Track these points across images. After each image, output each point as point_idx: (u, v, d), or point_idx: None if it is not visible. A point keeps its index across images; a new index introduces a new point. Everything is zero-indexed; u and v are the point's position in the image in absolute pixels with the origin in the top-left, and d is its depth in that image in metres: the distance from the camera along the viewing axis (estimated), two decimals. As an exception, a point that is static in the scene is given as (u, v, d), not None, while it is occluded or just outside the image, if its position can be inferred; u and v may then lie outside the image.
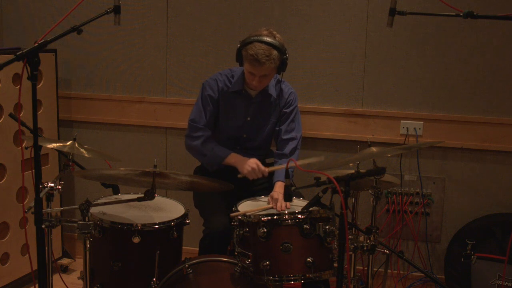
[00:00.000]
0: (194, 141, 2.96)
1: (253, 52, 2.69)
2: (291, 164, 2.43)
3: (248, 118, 2.98)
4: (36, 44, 2.02)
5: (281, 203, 2.60)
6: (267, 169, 2.82)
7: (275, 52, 2.71)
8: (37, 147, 2.06)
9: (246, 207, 2.66)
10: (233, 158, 2.89)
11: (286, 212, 2.41)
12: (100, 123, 3.77)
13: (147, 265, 2.46)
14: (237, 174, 2.84)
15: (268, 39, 2.71)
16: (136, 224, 2.48)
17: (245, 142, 3.02)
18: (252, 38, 2.73)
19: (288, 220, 2.23)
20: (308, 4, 3.38)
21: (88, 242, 2.30)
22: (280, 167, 2.84)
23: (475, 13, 2.21)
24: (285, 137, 2.98)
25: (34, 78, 2.01)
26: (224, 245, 2.73)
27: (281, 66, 2.79)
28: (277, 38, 2.74)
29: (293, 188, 2.48)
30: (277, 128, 3.01)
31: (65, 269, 3.65)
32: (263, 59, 2.68)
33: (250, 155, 3.02)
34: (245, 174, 2.82)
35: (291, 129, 2.99)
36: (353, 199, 2.76)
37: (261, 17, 3.43)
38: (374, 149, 2.64)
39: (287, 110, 2.99)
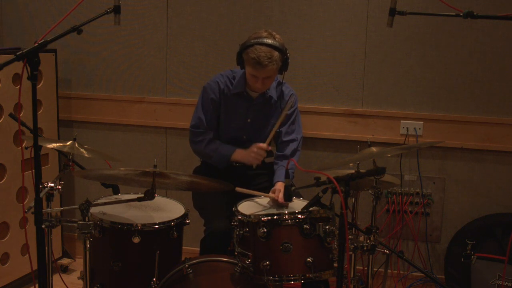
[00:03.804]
0: (197, 146, 2.99)
1: (254, 55, 2.69)
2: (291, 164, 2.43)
3: (249, 120, 2.98)
4: (36, 44, 2.02)
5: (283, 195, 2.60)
6: (265, 144, 2.87)
7: (276, 54, 2.71)
8: (37, 147, 2.06)
9: (246, 207, 2.66)
10: (239, 155, 2.92)
11: (286, 212, 2.40)
12: (100, 123, 3.77)
13: (147, 265, 2.46)
14: (247, 170, 2.93)
15: (269, 41, 2.70)
16: (136, 224, 2.48)
17: (244, 144, 3.02)
18: (252, 41, 2.72)
19: (288, 220, 2.23)
20: (308, 4, 3.38)
21: (88, 242, 2.30)
22: (274, 130, 2.87)
23: (475, 13, 2.21)
24: (285, 138, 2.98)
25: (34, 78, 2.01)
26: (225, 245, 2.73)
27: (283, 66, 2.79)
28: (276, 39, 2.74)
29: (293, 188, 2.49)
30: (277, 130, 3.01)
31: (65, 269, 3.65)
32: (265, 61, 2.68)
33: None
34: (254, 163, 2.88)
35: (292, 130, 2.99)
36: (353, 199, 2.75)
37: (261, 17, 3.43)
38: (374, 149, 2.64)
39: (288, 112, 2.99)
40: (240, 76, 2.93)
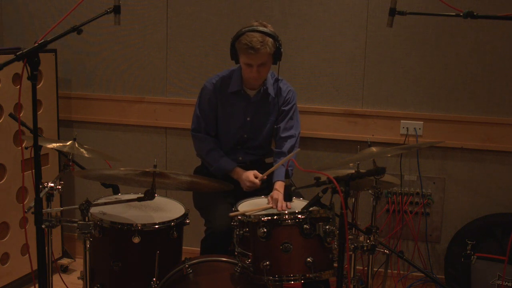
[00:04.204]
0: (200, 152, 3.03)
1: (246, 41, 2.70)
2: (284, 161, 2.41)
3: (248, 118, 2.98)
4: (36, 44, 2.02)
5: (281, 203, 2.61)
6: (258, 180, 2.83)
7: (268, 38, 2.73)
8: (37, 147, 2.06)
9: (246, 207, 2.66)
10: (235, 174, 2.93)
11: (286, 212, 2.40)
12: (100, 123, 3.77)
13: (147, 265, 2.46)
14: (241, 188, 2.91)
15: (260, 28, 2.74)
16: (136, 224, 2.48)
17: (246, 142, 3.02)
18: (243, 30, 2.75)
19: (288, 220, 2.23)
20: (308, 4, 3.38)
21: (88, 242, 2.30)
22: (269, 171, 2.83)
23: (475, 13, 2.21)
24: (283, 134, 2.97)
25: (34, 78, 2.01)
26: (226, 245, 2.73)
27: (277, 54, 2.79)
28: (268, 27, 2.77)
29: (293, 188, 2.48)
30: (276, 126, 3.00)
31: (65, 269, 3.65)
32: (257, 45, 2.69)
33: (251, 155, 3.03)
34: (246, 190, 2.87)
35: (290, 126, 2.99)
36: (353, 199, 2.75)
37: (261, 17, 3.42)
38: (374, 149, 2.64)
39: (286, 108, 2.98)
40: (236, 75, 2.93)
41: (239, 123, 2.98)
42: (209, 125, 2.99)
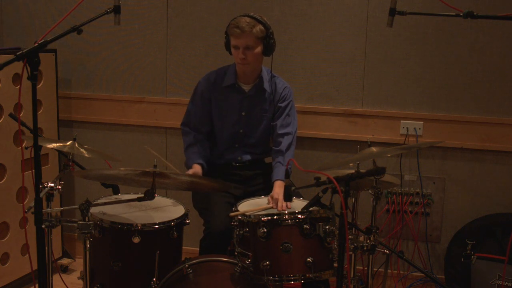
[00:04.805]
0: (184, 145, 3.04)
1: (235, 22, 2.76)
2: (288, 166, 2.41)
3: (243, 113, 2.97)
4: (36, 44, 2.02)
5: (281, 203, 2.60)
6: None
7: (258, 24, 2.76)
8: (37, 147, 2.06)
9: (246, 207, 2.66)
10: (191, 171, 2.88)
11: (286, 212, 2.41)
12: (100, 123, 3.77)
13: (147, 265, 2.46)
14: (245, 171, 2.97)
15: (252, 14, 2.78)
16: (136, 224, 2.48)
17: (242, 139, 3.01)
18: (236, 16, 2.80)
19: (288, 220, 2.23)
20: (308, 4, 3.39)
21: (88, 242, 2.30)
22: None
23: (475, 13, 2.21)
24: (280, 131, 2.95)
25: (34, 78, 2.01)
26: (224, 245, 2.73)
27: (267, 43, 2.80)
28: (261, 17, 2.80)
29: (293, 188, 2.49)
30: (273, 124, 2.99)
31: (65, 269, 3.65)
32: (243, 24, 2.73)
33: (249, 154, 3.02)
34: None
35: (287, 123, 2.97)
36: (353, 199, 2.76)
37: (261, 17, 3.43)
38: (374, 149, 2.64)
39: (282, 105, 2.97)
40: (231, 70, 2.94)
41: (234, 118, 2.98)
42: (200, 120, 2.99)
